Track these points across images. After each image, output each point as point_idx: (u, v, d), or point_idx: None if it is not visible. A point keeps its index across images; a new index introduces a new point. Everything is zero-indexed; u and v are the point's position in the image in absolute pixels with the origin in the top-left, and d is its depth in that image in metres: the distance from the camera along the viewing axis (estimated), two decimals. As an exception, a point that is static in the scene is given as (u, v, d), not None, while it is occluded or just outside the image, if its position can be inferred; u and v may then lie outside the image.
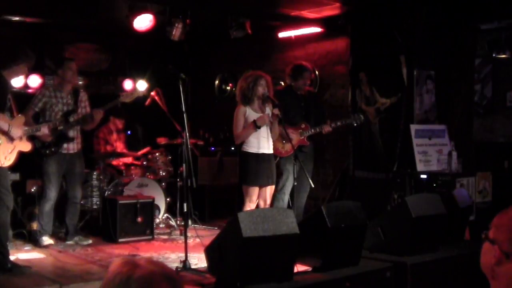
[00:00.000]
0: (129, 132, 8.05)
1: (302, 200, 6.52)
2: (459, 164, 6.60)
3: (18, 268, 4.90)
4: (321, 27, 7.78)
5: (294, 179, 5.96)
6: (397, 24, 6.77)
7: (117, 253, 5.80)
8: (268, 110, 5.68)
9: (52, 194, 6.03)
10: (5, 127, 4.97)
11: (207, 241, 4.84)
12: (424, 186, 6.37)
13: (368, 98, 7.21)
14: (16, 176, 6.28)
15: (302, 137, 6.36)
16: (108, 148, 7.56)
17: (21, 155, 5.25)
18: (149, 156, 7.51)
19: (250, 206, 5.55)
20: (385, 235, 5.02)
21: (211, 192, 8.31)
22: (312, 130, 6.38)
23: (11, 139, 5.07)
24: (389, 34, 6.77)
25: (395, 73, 6.87)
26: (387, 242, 5.00)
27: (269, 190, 5.73)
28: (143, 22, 6.85)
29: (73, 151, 6.15)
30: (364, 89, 7.23)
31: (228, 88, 9.24)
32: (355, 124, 6.50)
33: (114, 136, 7.73)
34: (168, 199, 7.25)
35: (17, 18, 7.57)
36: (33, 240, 6.11)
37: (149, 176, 7.26)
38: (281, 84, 7.31)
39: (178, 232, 6.80)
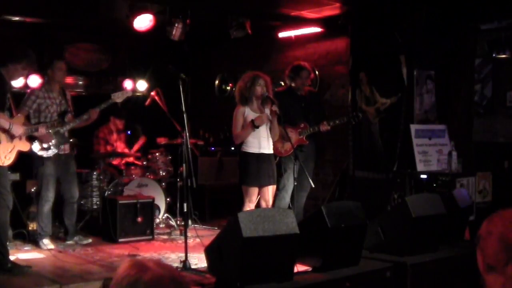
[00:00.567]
0: (129, 132, 8.05)
1: (302, 199, 6.52)
2: (459, 164, 6.60)
3: (18, 268, 4.90)
4: (321, 27, 7.78)
5: (294, 178, 5.96)
6: (397, 24, 6.77)
7: (117, 253, 5.80)
8: (267, 110, 5.67)
9: (50, 195, 6.01)
10: (6, 125, 4.97)
11: (207, 241, 4.84)
12: (424, 186, 6.37)
13: (368, 98, 7.21)
14: (16, 176, 6.26)
15: (301, 137, 6.37)
16: (108, 148, 7.56)
17: (21, 155, 5.25)
18: (149, 156, 7.51)
19: (250, 206, 5.55)
20: (385, 235, 5.02)
21: (211, 192, 8.31)
22: (311, 130, 6.39)
23: (11, 137, 5.06)
24: (389, 34, 6.77)
25: (395, 73, 6.87)
26: (387, 242, 4.99)
27: (271, 189, 5.72)
28: (143, 22, 6.85)
29: (67, 151, 6.14)
30: (364, 89, 7.23)
31: (228, 88, 9.24)
32: (353, 122, 6.52)
33: (114, 136, 7.74)
34: (168, 199, 7.25)
35: (17, 18, 7.58)
36: (33, 240, 6.11)
37: (149, 176, 7.26)
38: (281, 84, 7.31)
39: (178, 232, 6.80)
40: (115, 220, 6.36)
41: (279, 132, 5.86)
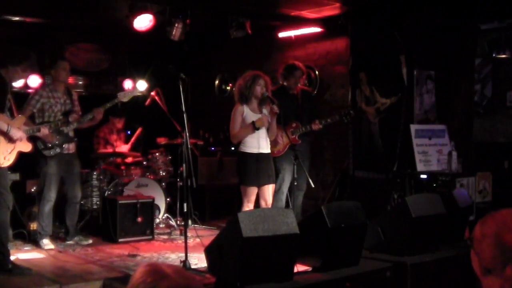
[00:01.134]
0: (129, 132, 8.05)
1: (298, 199, 6.51)
2: (459, 164, 6.60)
3: (18, 269, 4.90)
4: (321, 27, 7.78)
5: (295, 178, 5.95)
6: (397, 24, 6.77)
7: (117, 253, 5.80)
8: (265, 111, 5.67)
9: (52, 195, 6.02)
10: (4, 127, 4.96)
11: (207, 241, 4.84)
12: (424, 186, 6.37)
13: (368, 98, 7.21)
14: (16, 176, 6.28)
15: (294, 136, 6.33)
16: (108, 148, 7.56)
17: (21, 155, 5.25)
18: (149, 156, 7.51)
19: (248, 206, 5.53)
20: (385, 235, 5.02)
21: (211, 192, 8.31)
22: (303, 129, 6.35)
23: (10, 139, 5.06)
24: (389, 34, 6.77)
25: (395, 73, 6.87)
26: (387, 242, 4.99)
27: (270, 188, 5.70)
28: (143, 22, 6.85)
29: (72, 151, 6.15)
30: (364, 89, 7.23)
31: (228, 88, 9.24)
32: (345, 121, 6.47)
33: (114, 136, 7.73)
34: (168, 199, 7.25)
35: (17, 18, 7.58)
36: (33, 240, 6.11)
37: (149, 176, 7.26)
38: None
39: (178, 232, 6.80)
40: (115, 220, 6.36)
41: (276, 131, 5.86)
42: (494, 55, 7.13)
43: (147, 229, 6.53)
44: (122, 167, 7.43)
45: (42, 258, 5.56)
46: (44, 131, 5.67)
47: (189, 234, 5.38)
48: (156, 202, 6.91)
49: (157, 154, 7.47)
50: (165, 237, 6.70)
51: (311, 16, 7.53)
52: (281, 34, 8.22)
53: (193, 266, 4.89)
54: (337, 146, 7.80)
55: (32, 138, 5.50)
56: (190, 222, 6.66)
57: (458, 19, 6.82)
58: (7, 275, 4.78)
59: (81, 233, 6.44)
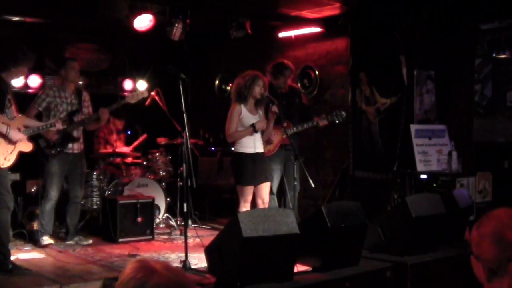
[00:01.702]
0: (129, 132, 8.06)
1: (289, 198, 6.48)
2: (459, 164, 6.60)
3: (18, 269, 4.90)
4: (321, 27, 7.78)
5: (294, 178, 5.96)
6: (397, 24, 6.77)
7: (117, 253, 5.80)
8: (260, 112, 5.67)
9: (54, 194, 6.03)
10: (3, 129, 4.95)
11: (207, 241, 4.84)
12: (424, 186, 6.37)
13: (368, 98, 7.21)
14: (16, 176, 6.28)
15: (284, 136, 6.29)
16: (108, 148, 7.56)
17: (21, 155, 5.25)
18: (149, 156, 7.51)
19: (245, 206, 5.53)
20: (385, 235, 5.02)
21: (211, 192, 8.31)
22: (295, 129, 6.28)
23: (10, 141, 5.05)
24: (389, 34, 6.77)
25: (395, 73, 6.87)
26: (387, 242, 4.99)
27: (267, 187, 5.70)
28: (143, 22, 6.85)
29: (77, 151, 6.16)
30: (364, 89, 7.23)
31: (228, 88, 9.24)
32: (337, 121, 6.40)
33: (114, 136, 7.74)
34: (168, 199, 7.25)
35: (17, 18, 7.58)
36: (33, 240, 6.11)
37: (149, 176, 7.26)
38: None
39: (178, 232, 6.80)
40: (115, 220, 6.36)
41: (271, 132, 5.88)
42: (494, 55, 7.14)
43: (147, 229, 6.53)
44: (122, 167, 7.43)
45: (42, 258, 5.56)
46: (59, 126, 5.65)
47: (189, 234, 5.38)
48: (156, 202, 6.90)
49: (157, 154, 7.47)
50: (165, 237, 6.70)
51: (311, 16, 7.53)
52: (281, 34, 8.22)
53: (193, 266, 4.89)
54: (337, 146, 7.80)
55: (33, 137, 5.49)
56: (190, 222, 6.67)
57: (458, 19, 6.82)
58: (7, 275, 4.78)
59: (81, 233, 6.44)
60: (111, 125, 7.70)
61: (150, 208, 6.63)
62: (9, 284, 4.60)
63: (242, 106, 5.55)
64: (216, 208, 8.23)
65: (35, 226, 6.29)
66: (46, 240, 5.94)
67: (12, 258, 5.12)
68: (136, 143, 7.79)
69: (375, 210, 5.59)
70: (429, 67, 7.00)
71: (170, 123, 6.89)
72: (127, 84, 8.56)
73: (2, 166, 4.97)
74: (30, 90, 7.57)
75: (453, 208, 5.33)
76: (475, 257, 1.83)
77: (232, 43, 7.86)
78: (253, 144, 5.59)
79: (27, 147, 5.27)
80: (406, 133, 6.67)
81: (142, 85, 8.53)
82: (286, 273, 4.16)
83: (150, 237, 6.51)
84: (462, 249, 5.19)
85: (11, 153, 5.04)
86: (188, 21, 7.00)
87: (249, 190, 5.55)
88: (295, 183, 5.97)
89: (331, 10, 7.23)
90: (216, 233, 5.19)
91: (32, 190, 6.68)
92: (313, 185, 5.68)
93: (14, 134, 5.03)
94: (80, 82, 8.05)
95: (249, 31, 7.33)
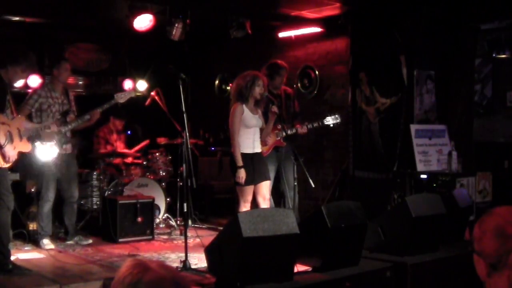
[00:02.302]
0: (129, 132, 8.05)
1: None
2: (459, 164, 6.60)
3: (18, 269, 4.90)
4: (321, 27, 7.78)
5: (294, 178, 5.96)
6: (397, 24, 6.77)
7: (117, 253, 5.80)
8: (259, 111, 5.67)
9: (51, 195, 6.02)
10: (1, 140, 4.92)
11: (207, 241, 4.83)
12: (424, 186, 6.37)
13: (368, 98, 7.21)
14: (16, 176, 6.27)
15: (278, 138, 6.28)
16: (109, 148, 7.56)
17: (21, 155, 5.24)
18: (149, 156, 7.51)
19: (245, 206, 5.52)
20: (385, 235, 5.02)
21: (211, 192, 8.31)
22: (288, 131, 6.20)
23: (11, 139, 5.04)
24: (389, 34, 6.77)
25: (395, 73, 6.87)
26: (387, 242, 4.99)
27: (267, 185, 5.69)
28: (143, 22, 6.85)
29: (69, 151, 6.14)
30: (364, 89, 7.23)
31: (228, 88, 9.24)
32: (331, 125, 6.32)
33: (114, 136, 7.73)
34: (168, 199, 7.25)
35: (17, 18, 7.58)
36: (33, 240, 6.11)
37: (149, 176, 7.26)
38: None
39: (178, 232, 6.80)
40: (115, 220, 6.36)
41: (270, 133, 5.88)
42: (494, 55, 7.14)
43: (147, 229, 6.53)
44: (122, 167, 7.43)
45: (42, 258, 5.55)
46: (54, 128, 5.64)
47: (189, 234, 5.38)
48: (156, 202, 6.90)
49: (157, 154, 7.47)
50: (165, 237, 6.70)
51: (311, 16, 7.53)
52: (281, 34, 8.22)
53: (193, 266, 4.89)
54: (337, 146, 7.80)
55: (29, 139, 5.48)
56: (190, 222, 6.67)
57: (458, 19, 6.83)
58: (7, 275, 4.78)
59: (81, 233, 6.43)
60: (111, 125, 7.70)
61: (150, 208, 6.63)
62: (9, 284, 4.60)
63: (244, 106, 5.55)
64: (216, 208, 8.23)
65: (35, 226, 6.28)
66: (48, 244, 5.92)
67: (12, 258, 5.12)
68: (137, 147, 7.76)
69: (375, 210, 5.59)
70: (429, 67, 7.00)
71: (170, 123, 6.89)
72: (127, 84, 8.56)
73: (2, 167, 4.97)
74: (30, 90, 7.56)
75: (453, 208, 5.32)
76: (477, 253, 1.84)
77: (232, 43, 7.86)
78: (252, 144, 5.59)
79: (26, 147, 5.26)
80: (406, 133, 6.67)
81: (142, 85, 8.53)
82: (286, 273, 4.16)
83: (150, 237, 6.51)
84: (462, 249, 5.20)
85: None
86: (188, 21, 7.00)
87: (249, 190, 5.55)
88: (295, 183, 5.97)
89: (331, 10, 7.23)
90: (216, 233, 5.20)
91: (32, 190, 6.67)
92: (313, 185, 5.68)
93: (9, 151, 4.96)
94: (80, 82, 8.08)
95: (249, 31, 7.33)
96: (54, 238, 6.24)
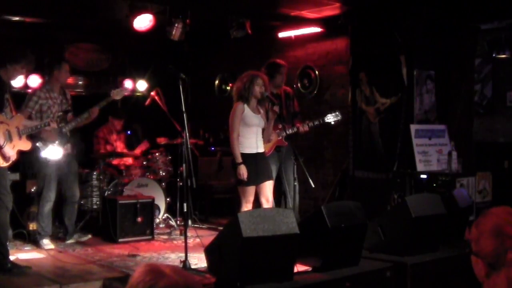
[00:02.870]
0: (129, 132, 8.05)
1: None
2: (459, 164, 6.60)
3: (18, 268, 4.90)
4: (321, 27, 7.78)
5: (294, 178, 5.96)
6: (397, 24, 6.77)
7: (117, 253, 5.80)
8: (262, 111, 5.66)
9: (52, 195, 6.02)
10: (0, 141, 4.93)
11: (207, 241, 4.84)
12: (424, 186, 6.37)
13: (368, 98, 7.21)
14: (16, 176, 6.27)
15: (280, 137, 6.27)
16: (108, 148, 7.55)
17: (22, 155, 5.24)
18: (149, 156, 7.51)
19: (247, 206, 5.51)
20: (385, 235, 5.02)
21: (211, 192, 8.31)
22: (290, 130, 6.21)
23: (10, 138, 5.04)
24: (389, 34, 6.77)
25: (395, 73, 6.87)
26: (387, 242, 4.99)
27: (270, 185, 5.67)
28: (143, 22, 6.85)
29: (69, 151, 6.15)
30: (364, 89, 7.23)
31: (228, 88, 9.24)
32: (332, 123, 6.33)
33: (114, 136, 7.73)
34: (168, 199, 7.25)
35: (17, 18, 7.58)
36: (33, 240, 6.11)
37: (149, 176, 7.26)
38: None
39: (178, 232, 6.80)
40: (115, 220, 6.36)
41: (272, 133, 5.87)
42: (494, 55, 7.13)
43: (147, 229, 6.53)
44: (122, 167, 7.43)
45: (42, 258, 5.55)
46: (54, 125, 5.63)
47: (189, 234, 5.38)
48: (156, 202, 6.90)
49: (157, 154, 7.47)
50: (165, 237, 6.69)
51: (311, 16, 7.53)
52: (281, 34, 8.22)
53: (193, 266, 4.89)
54: (337, 146, 7.80)
55: (31, 138, 5.48)
56: (190, 222, 6.67)
57: (458, 19, 6.83)
58: (7, 275, 4.78)
59: (80, 231, 6.43)
60: (110, 125, 7.70)
61: (150, 208, 6.63)
62: (9, 284, 4.60)
63: (245, 105, 5.53)
64: (216, 208, 8.22)
65: (35, 226, 6.28)
66: (48, 244, 5.92)
67: (12, 258, 5.11)
68: (137, 150, 7.75)
69: (375, 210, 5.59)
70: (429, 67, 7.00)
71: (170, 123, 6.89)
72: (127, 84, 8.56)
73: (1, 165, 4.97)
74: (30, 90, 7.56)
75: (453, 208, 5.32)
76: (475, 254, 1.84)
77: (232, 43, 7.86)
78: (255, 144, 5.57)
79: (26, 145, 5.26)
80: (406, 133, 6.67)
81: (142, 85, 8.54)
82: (286, 273, 4.16)
83: (150, 237, 6.51)
84: (462, 249, 5.20)
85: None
86: (188, 21, 7.00)
87: (250, 191, 5.54)
88: (295, 183, 5.97)
89: (331, 10, 7.23)
90: (216, 233, 5.20)
91: (32, 190, 6.67)
92: (313, 185, 5.68)
93: (8, 151, 4.98)
94: (80, 82, 8.08)
95: (249, 31, 7.33)
96: (54, 238, 6.25)
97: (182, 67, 6.65)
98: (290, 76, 7.44)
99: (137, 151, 7.72)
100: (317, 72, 8.03)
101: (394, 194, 6.58)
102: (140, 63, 8.96)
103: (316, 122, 6.29)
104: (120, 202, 6.42)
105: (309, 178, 5.64)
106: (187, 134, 5.18)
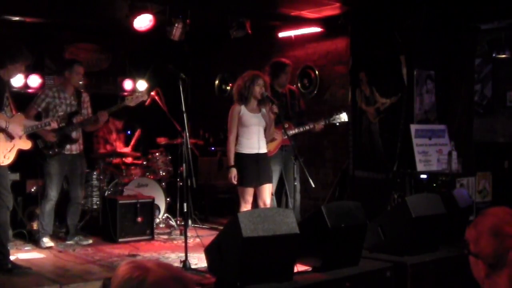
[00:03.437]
0: (129, 132, 8.05)
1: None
2: (459, 164, 6.60)
3: (18, 269, 4.90)
4: (321, 27, 7.78)
5: (294, 178, 5.95)
6: (397, 24, 6.77)
7: (117, 253, 5.80)
8: (264, 111, 5.64)
9: (54, 194, 6.03)
10: (2, 124, 4.95)
11: (207, 241, 4.84)
12: (424, 186, 6.37)
13: (368, 98, 7.21)
14: (16, 176, 6.27)
15: (285, 137, 6.26)
16: (108, 147, 7.55)
17: (21, 155, 5.24)
18: (149, 156, 7.51)
19: (246, 207, 5.50)
20: (385, 235, 5.02)
21: (211, 192, 8.31)
22: (296, 130, 6.21)
23: (10, 137, 5.05)
24: (389, 34, 6.77)
25: (395, 73, 6.87)
26: (387, 242, 5.00)
27: (269, 188, 5.67)
28: (143, 22, 6.85)
29: (75, 152, 6.15)
30: (364, 89, 7.23)
31: (228, 88, 9.24)
32: (337, 124, 6.33)
33: (114, 135, 7.73)
34: (168, 199, 7.25)
35: (17, 18, 7.58)
36: (33, 240, 6.12)
37: (149, 176, 7.26)
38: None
39: (178, 232, 6.80)
40: (115, 220, 6.36)
41: (273, 133, 5.87)
42: (494, 55, 7.14)
43: (147, 229, 6.53)
44: (122, 167, 7.43)
45: (42, 258, 5.56)
46: (54, 124, 5.64)
47: (189, 234, 5.38)
48: (156, 202, 6.90)
49: (157, 154, 7.47)
50: (165, 237, 6.70)
51: (311, 16, 7.53)
52: (281, 34, 8.22)
53: (193, 266, 4.89)
54: (337, 146, 7.80)
55: (32, 137, 5.49)
56: (190, 222, 6.67)
57: (458, 19, 6.82)
58: (7, 275, 4.78)
59: (81, 233, 6.44)
60: (110, 125, 7.70)
61: (150, 208, 6.63)
62: (9, 284, 4.60)
63: (242, 106, 5.53)
64: (216, 208, 8.23)
65: (35, 226, 6.29)
66: (47, 242, 5.93)
67: (12, 258, 5.12)
68: (132, 141, 7.77)
69: (375, 210, 5.59)
70: (429, 67, 7.00)
71: (170, 123, 6.89)
72: (127, 84, 8.56)
73: (2, 164, 4.97)
74: (30, 90, 7.56)
75: (453, 208, 5.32)
76: (474, 255, 1.83)
77: (232, 43, 7.86)
78: (257, 145, 5.55)
79: (26, 145, 5.26)
80: (406, 133, 6.67)
81: (142, 85, 8.53)
82: (286, 273, 4.16)
83: (150, 237, 6.51)
84: (462, 249, 5.19)
85: (10, 150, 5.03)
86: (188, 21, 7.00)
87: (250, 192, 5.53)
88: (295, 183, 5.96)
89: (331, 10, 7.23)
90: (216, 233, 5.20)
91: (32, 190, 6.67)
92: (313, 185, 5.67)
93: (14, 129, 5.03)
94: (80, 82, 8.05)
95: (249, 31, 7.33)
96: (54, 238, 6.24)
97: (182, 67, 6.65)
98: (291, 76, 7.43)
99: (132, 142, 7.73)
100: (317, 72, 8.03)
101: (394, 194, 6.58)
102: (140, 63, 8.96)
103: (327, 121, 6.28)
104: (120, 202, 6.42)
105: (309, 178, 5.63)
106: (187, 134, 5.18)
